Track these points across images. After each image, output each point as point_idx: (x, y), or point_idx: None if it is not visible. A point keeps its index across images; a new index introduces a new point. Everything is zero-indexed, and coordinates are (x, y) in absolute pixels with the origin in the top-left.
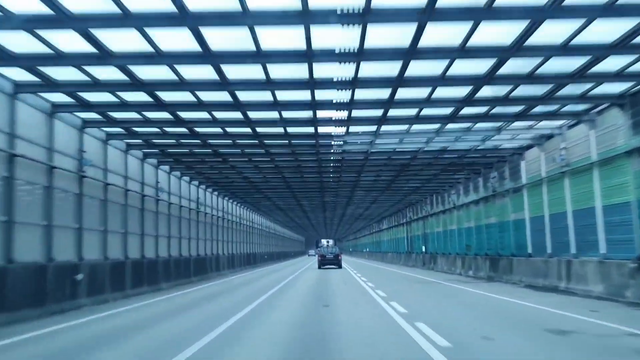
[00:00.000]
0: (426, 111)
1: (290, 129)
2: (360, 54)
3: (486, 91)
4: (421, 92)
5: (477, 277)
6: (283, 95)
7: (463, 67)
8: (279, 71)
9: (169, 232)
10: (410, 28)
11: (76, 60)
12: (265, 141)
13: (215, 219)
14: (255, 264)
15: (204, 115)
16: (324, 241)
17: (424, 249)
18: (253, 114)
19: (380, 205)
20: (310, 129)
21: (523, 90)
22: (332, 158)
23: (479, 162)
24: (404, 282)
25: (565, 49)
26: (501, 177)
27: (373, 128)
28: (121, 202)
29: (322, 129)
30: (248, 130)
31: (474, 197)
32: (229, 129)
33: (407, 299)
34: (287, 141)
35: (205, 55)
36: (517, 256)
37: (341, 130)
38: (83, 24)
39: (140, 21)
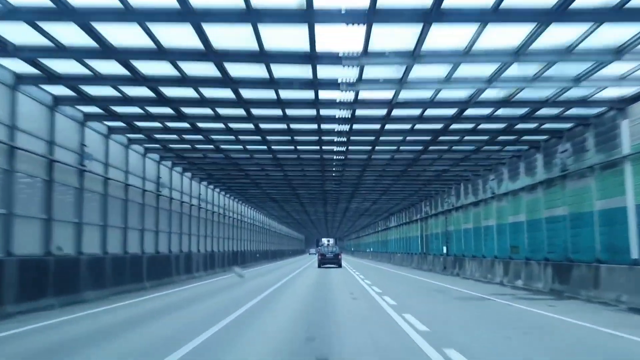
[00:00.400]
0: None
1: (267, 34)
2: None
3: None
4: None
5: (532, 290)
6: None
7: None
8: None
9: (105, 220)
10: None
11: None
12: (225, 63)
13: (188, 208)
14: (245, 263)
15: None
16: (324, 240)
17: (444, 250)
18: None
19: (391, 198)
20: (302, 32)
21: None
22: (337, 116)
23: (543, 130)
24: (435, 297)
25: None
26: (578, 149)
27: (410, 42)
28: (2, 167)
29: (323, 41)
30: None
31: (528, 182)
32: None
33: (469, 338)
34: (266, 72)
35: None
36: (607, 263)
37: (355, 44)
38: None
39: None
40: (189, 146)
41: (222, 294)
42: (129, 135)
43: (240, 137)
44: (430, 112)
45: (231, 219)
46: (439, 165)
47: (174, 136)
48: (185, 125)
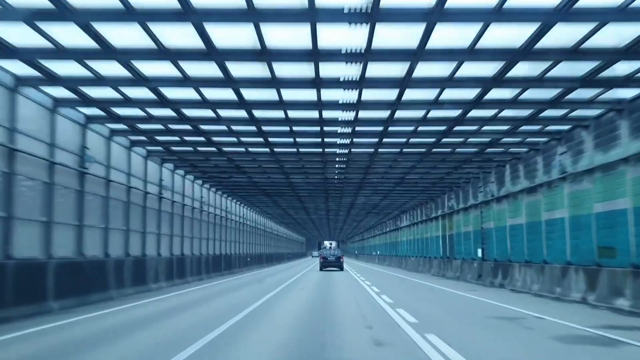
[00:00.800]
0: None
1: None
2: None
3: None
4: None
5: None
6: None
7: None
8: None
9: None
10: None
11: None
12: None
13: (140, 196)
14: (231, 269)
15: None
16: (326, 243)
17: (479, 254)
18: None
19: (407, 190)
20: None
21: None
22: (341, 78)
23: None
24: (520, 337)
25: None
26: None
27: None
28: None
29: None
30: None
31: (637, 148)
32: None
33: None
34: None
35: None
36: None
37: None
38: None
39: None
40: (117, 96)
41: (165, 322)
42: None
43: (206, 93)
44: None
45: (212, 215)
46: (485, 134)
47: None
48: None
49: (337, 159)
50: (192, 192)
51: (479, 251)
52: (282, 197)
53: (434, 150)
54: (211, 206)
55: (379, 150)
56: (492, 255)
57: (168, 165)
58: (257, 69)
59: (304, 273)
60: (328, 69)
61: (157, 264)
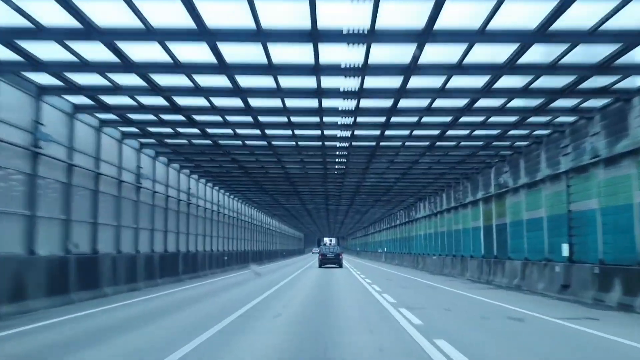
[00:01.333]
0: None
1: None
2: None
3: None
4: None
5: None
6: None
7: None
8: None
9: None
10: None
11: None
12: None
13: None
14: (195, 272)
15: None
16: (326, 239)
17: (565, 252)
18: None
19: (435, 163)
20: None
21: None
22: None
23: None
24: None
25: None
26: None
27: None
28: None
29: None
30: None
31: None
32: None
33: None
34: None
35: None
36: None
37: None
38: None
39: None
40: None
41: None
42: None
43: None
44: None
45: (163, 196)
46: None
47: None
48: None
49: (341, 112)
50: (118, 156)
51: (564, 247)
52: (266, 177)
53: (493, 88)
54: (159, 183)
55: (401, 99)
56: (592, 255)
57: (79, 113)
58: None
59: (294, 277)
60: None
61: (23, 269)
